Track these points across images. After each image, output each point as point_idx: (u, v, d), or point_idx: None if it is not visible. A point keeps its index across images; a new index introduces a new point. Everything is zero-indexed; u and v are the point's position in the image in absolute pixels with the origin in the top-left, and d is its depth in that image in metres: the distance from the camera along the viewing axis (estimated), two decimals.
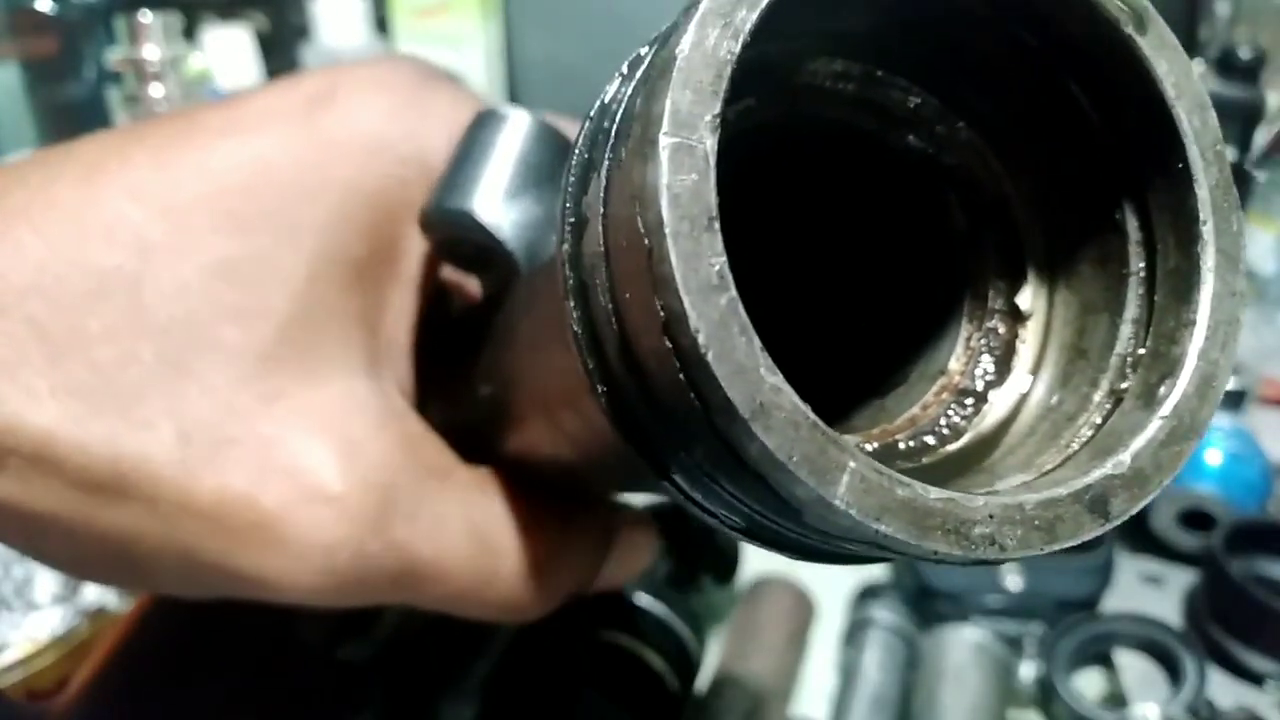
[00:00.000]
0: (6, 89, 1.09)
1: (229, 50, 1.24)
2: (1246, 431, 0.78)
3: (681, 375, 0.16)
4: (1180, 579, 0.73)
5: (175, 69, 0.93)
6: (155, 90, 0.92)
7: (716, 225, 0.16)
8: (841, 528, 0.16)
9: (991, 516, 0.16)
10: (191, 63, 1.02)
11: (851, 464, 0.16)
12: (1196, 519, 0.73)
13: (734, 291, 0.15)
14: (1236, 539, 0.69)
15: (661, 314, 0.16)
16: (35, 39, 1.08)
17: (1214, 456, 0.75)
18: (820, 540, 0.18)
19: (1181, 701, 0.61)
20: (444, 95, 0.31)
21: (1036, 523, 0.17)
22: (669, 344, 0.16)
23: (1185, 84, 0.19)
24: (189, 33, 1.12)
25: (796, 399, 0.15)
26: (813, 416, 0.15)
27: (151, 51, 0.91)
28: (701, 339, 0.15)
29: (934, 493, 0.16)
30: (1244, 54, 1.05)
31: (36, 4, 1.06)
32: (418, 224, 0.30)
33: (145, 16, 0.92)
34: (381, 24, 1.38)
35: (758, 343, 0.15)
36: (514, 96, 1.36)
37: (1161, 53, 0.19)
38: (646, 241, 0.16)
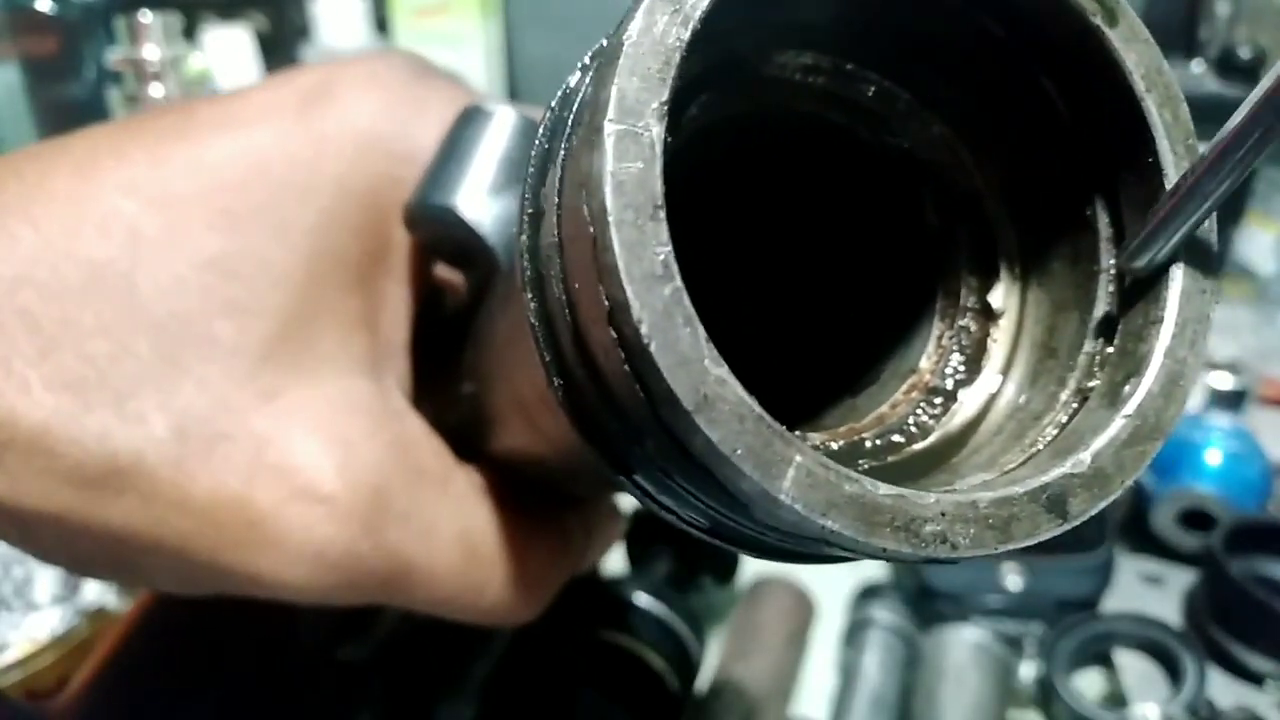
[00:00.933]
0: (6, 89, 1.08)
1: (229, 50, 1.24)
2: (1246, 431, 0.78)
3: (627, 367, 0.16)
4: (1180, 579, 0.73)
5: (175, 69, 0.93)
6: (155, 90, 0.92)
7: (662, 214, 0.15)
8: (788, 523, 0.16)
9: (943, 514, 0.16)
10: (191, 63, 1.02)
11: (798, 458, 0.15)
12: (1196, 519, 0.73)
13: (679, 281, 0.15)
14: (1236, 539, 0.69)
15: (607, 304, 0.15)
16: (35, 39, 1.08)
17: (1214, 456, 0.75)
18: (777, 538, 0.18)
19: (1181, 701, 0.61)
20: (439, 91, 0.31)
21: (990, 521, 0.17)
22: (614, 335, 0.16)
23: (1155, 77, 0.19)
24: (189, 33, 1.12)
25: (742, 391, 0.15)
26: (758, 409, 0.15)
27: (151, 51, 0.91)
28: (644, 329, 0.15)
29: (883, 489, 0.16)
30: (1244, 54, 1.05)
31: (36, 4, 1.06)
32: (402, 220, 0.30)
33: (145, 16, 0.91)
34: (381, 24, 1.38)
35: (703, 334, 0.15)
36: (514, 96, 1.36)
37: (1132, 45, 0.19)
38: (591, 230, 0.15)
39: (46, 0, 1.06)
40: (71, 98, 1.09)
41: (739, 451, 0.15)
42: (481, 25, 1.32)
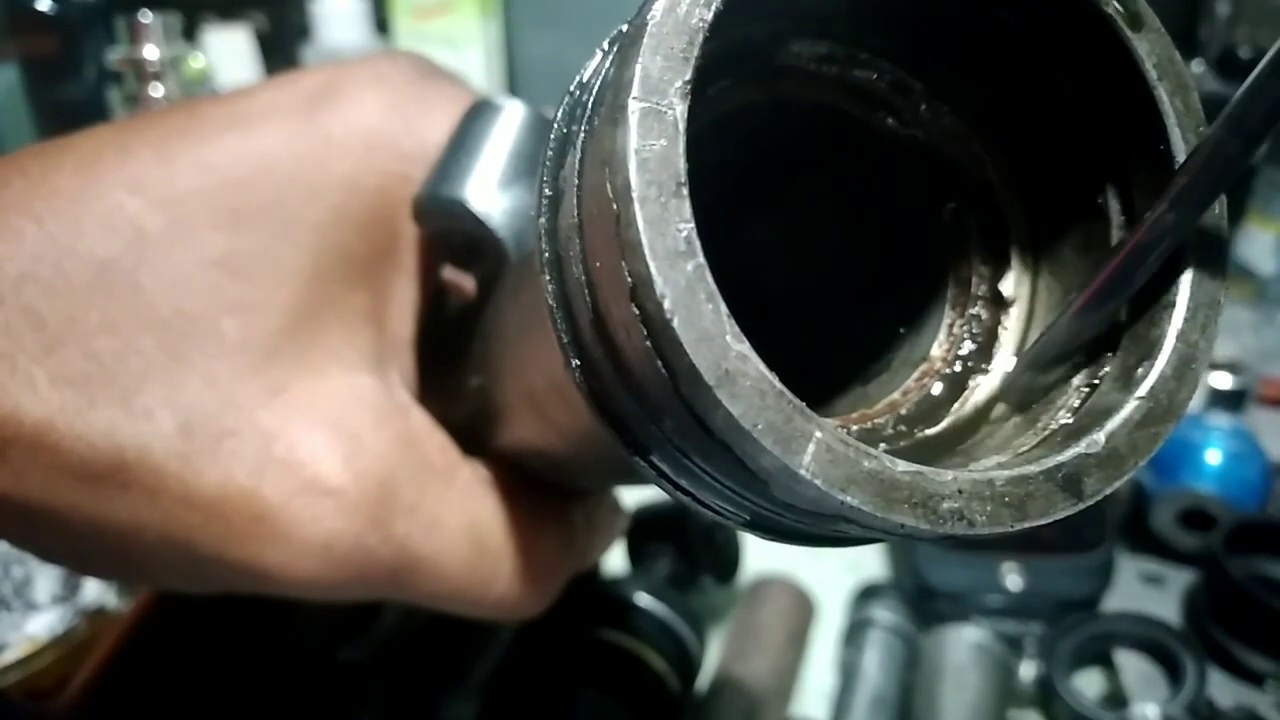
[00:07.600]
0: (6, 89, 1.08)
1: (229, 50, 1.24)
2: (1246, 431, 0.78)
3: (649, 343, 0.16)
4: (1180, 579, 0.73)
5: (175, 69, 0.93)
6: (155, 90, 0.92)
7: (685, 191, 0.16)
8: (807, 499, 0.16)
9: (960, 491, 0.16)
10: (191, 63, 1.02)
11: (817, 434, 0.15)
12: (1196, 519, 0.73)
13: (701, 258, 0.15)
14: (1236, 539, 0.69)
15: (629, 280, 0.16)
16: (35, 39, 1.08)
17: (1214, 456, 0.75)
18: (794, 517, 0.18)
19: (1181, 701, 0.61)
20: (444, 91, 0.31)
21: (1006, 499, 0.17)
22: (636, 311, 0.16)
23: (1168, 66, 0.19)
24: (189, 33, 1.12)
25: (762, 367, 0.15)
26: (779, 385, 0.15)
27: (151, 51, 0.92)
28: (667, 304, 0.15)
29: (901, 465, 0.16)
30: (1244, 54, 1.05)
31: (36, 4, 1.06)
32: (411, 214, 0.30)
33: (145, 16, 0.92)
34: (382, 24, 1.38)
35: (724, 309, 0.15)
36: (513, 96, 1.36)
37: (1144, 35, 0.19)
38: (615, 207, 0.16)
39: (46, 0, 1.06)
40: (71, 98, 1.09)
41: (760, 426, 0.15)
42: (481, 25, 1.32)
